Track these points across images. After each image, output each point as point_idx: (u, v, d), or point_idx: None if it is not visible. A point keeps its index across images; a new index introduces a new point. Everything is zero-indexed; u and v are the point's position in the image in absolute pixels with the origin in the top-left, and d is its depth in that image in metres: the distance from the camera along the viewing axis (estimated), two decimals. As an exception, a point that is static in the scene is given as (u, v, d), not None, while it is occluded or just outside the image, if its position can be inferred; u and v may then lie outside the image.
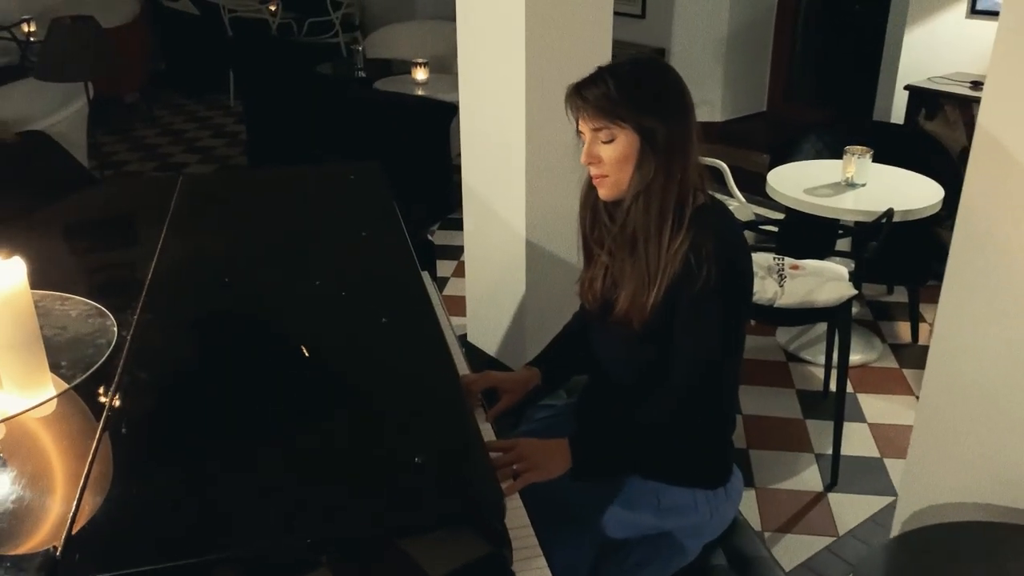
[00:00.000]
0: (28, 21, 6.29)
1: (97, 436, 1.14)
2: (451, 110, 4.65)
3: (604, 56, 2.78)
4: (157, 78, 7.54)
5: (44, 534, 0.99)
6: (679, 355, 1.54)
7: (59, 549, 0.95)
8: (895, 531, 2.09)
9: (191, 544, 0.98)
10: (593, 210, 1.67)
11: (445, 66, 5.85)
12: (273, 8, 7.19)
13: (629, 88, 1.49)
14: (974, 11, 4.08)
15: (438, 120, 4.58)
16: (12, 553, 0.98)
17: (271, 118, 5.34)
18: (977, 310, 1.77)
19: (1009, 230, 1.68)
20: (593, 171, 1.56)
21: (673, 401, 1.57)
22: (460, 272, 3.96)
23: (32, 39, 6.37)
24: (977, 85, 3.84)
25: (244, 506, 1.04)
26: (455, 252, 4.22)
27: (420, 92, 4.79)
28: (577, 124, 1.56)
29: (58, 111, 3.96)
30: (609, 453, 1.58)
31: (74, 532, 0.98)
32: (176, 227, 1.81)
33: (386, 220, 1.92)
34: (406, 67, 5.30)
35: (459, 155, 4.95)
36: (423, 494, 1.05)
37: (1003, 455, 1.77)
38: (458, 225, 4.59)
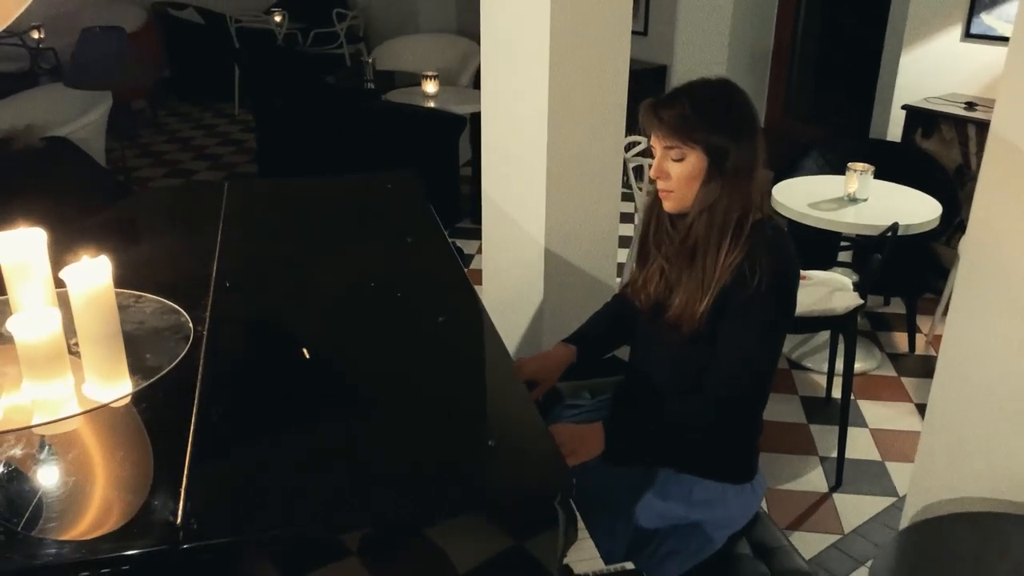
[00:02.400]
0: (38, 28, 6.38)
1: (193, 419, 1.24)
2: (462, 122, 4.78)
3: (622, 71, 2.91)
4: (162, 85, 7.63)
5: (157, 506, 1.08)
6: (723, 359, 1.64)
7: (177, 518, 1.05)
8: (904, 525, 2.20)
9: (290, 515, 1.09)
10: (657, 218, 1.77)
11: (451, 78, 5.98)
12: (279, 18, 7.30)
13: (703, 110, 1.59)
14: (968, 35, 4.24)
15: (449, 132, 4.70)
16: (127, 523, 1.07)
17: (281, 127, 5.44)
18: (985, 316, 1.89)
19: (1017, 238, 1.81)
20: (660, 185, 1.66)
21: (711, 408, 1.67)
22: (472, 280, 4.06)
23: (41, 46, 6.45)
24: (972, 106, 3.99)
25: (337, 484, 1.14)
26: (465, 260, 4.33)
27: (431, 104, 4.90)
28: (649, 138, 1.67)
29: (80, 117, 4.05)
30: (642, 441, 1.69)
31: (187, 504, 1.07)
32: (231, 230, 1.91)
33: (427, 225, 2.03)
34: (412, 79, 5.42)
35: (465, 165, 5.09)
36: (500, 474, 1.15)
37: (1008, 452, 1.89)
38: (466, 234, 4.70)
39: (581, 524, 1.46)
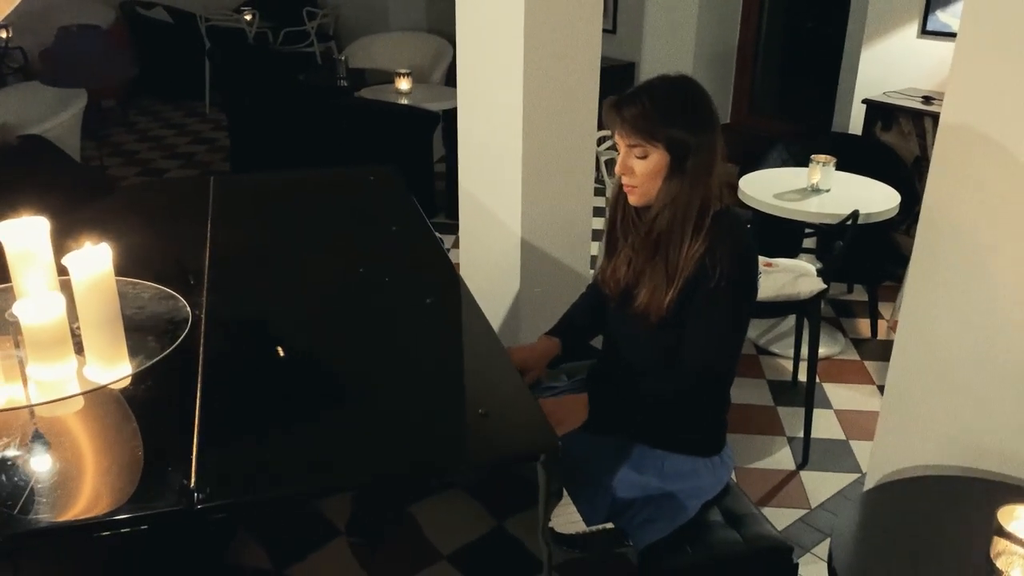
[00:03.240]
0: (5, 28, 6.34)
1: (198, 394, 1.31)
2: (435, 119, 4.85)
3: (594, 68, 3.00)
4: (131, 84, 7.60)
5: (171, 472, 1.16)
6: (691, 343, 1.74)
7: (191, 482, 1.12)
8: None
9: (296, 476, 1.16)
10: (623, 209, 1.85)
11: (423, 76, 6.04)
12: (249, 17, 7.31)
13: (663, 106, 1.67)
14: (925, 31, 4.40)
15: (423, 128, 4.77)
16: (145, 487, 1.15)
17: (254, 126, 5.47)
18: (938, 298, 2.00)
19: (966, 225, 1.93)
20: (625, 180, 1.74)
21: (683, 382, 1.76)
22: (447, 273, 4.13)
23: (9, 45, 6.41)
24: (928, 100, 4.15)
25: (341, 448, 1.22)
26: (441, 254, 4.39)
27: (404, 101, 4.97)
28: (613, 135, 1.75)
29: (55, 116, 4.06)
30: (622, 412, 1.78)
31: (198, 471, 1.15)
32: (220, 222, 1.98)
33: (410, 216, 2.11)
34: (384, 77, 5.48)
35: (439, 161, 5.16)
36: (492, 439, 1.24)
37: (957, 423, 2.01)
38: (441, 228, 4.77)
39: (564, 491, 1.55)
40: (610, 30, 6.11)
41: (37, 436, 1.29)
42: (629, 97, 1.71)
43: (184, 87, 7.59)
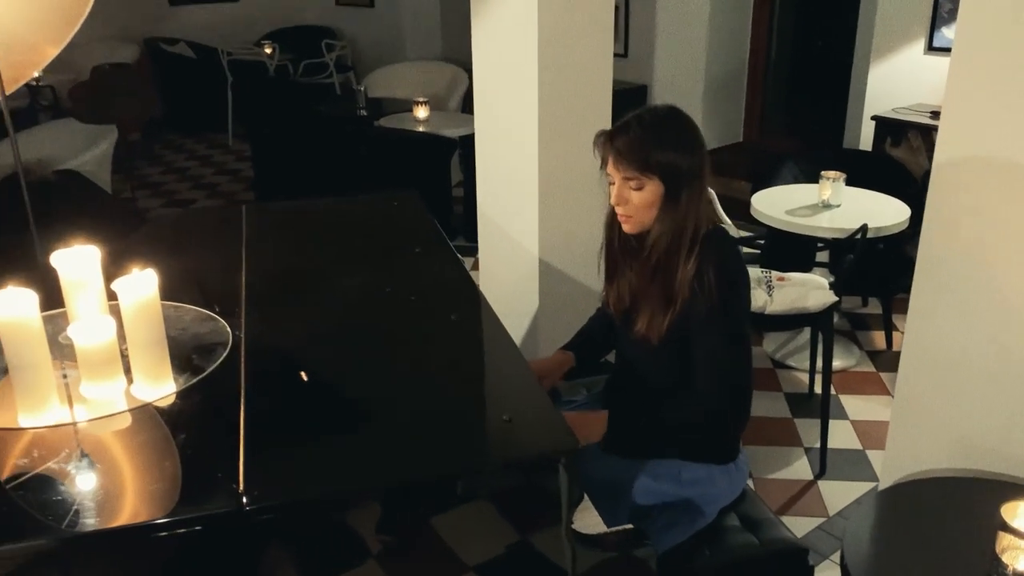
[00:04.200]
0: (35, 66, 6.53)
1: (242, 406, 1.41)
2: (453, 145, 4.97)
3: (606, 92, 3.11)
4: (156, 118, 7.80)
5: (221, 478, 1.25)
6: (699, 369, 1.81)
7: (240, 486, 1.21)
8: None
9: (340, 479, 1.26)
10: (619, 236, 1.92)
11: (440, 103, 6.19)
12: (269, 51, 7.51)
13: (652, 132, 1.73)
14: (931, 48, 4.48)
15: (441, 154, 4.89)
16: (197, 492, 1.24)
17: (277, 156, 5.62)
18: (942, 308, 2.08)
19: (967, 237, 2.00)
20: (620, 210, 1.80)
21: (698, 406, 1.83)
22: (468, 294, 4.23)
23: (40, 83, 6.62)
24: (936, 115, 4.22)
25: (377, 452, 1.31)
26: (461, 277, 4.50)
27: (422, 129, 5.10)
28: (604, 164, 1.81)
29: (88, 151, 4.22)
30: (642, 435, 1.85)
31: (246, 476, 1.24)
32: (254, 247, 2.08)
33: (432, 238, 2.21)
34: (402, 105, 5.62)
35: (456, 185, 5.28)
36: (516, 442, 1.33)
37: (963, 427, 2.08)
38: (460, 251, 4.88)
39: (586, 496, 1.63)
40: (621, 54, 6.24)
41: (93, 448, 1.39)
42: (620, 128, 1.77)
43: (207, 120, 7.78)
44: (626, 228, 1.84)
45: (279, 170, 5.65)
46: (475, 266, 4.29)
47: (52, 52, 2.14)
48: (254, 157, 6.03)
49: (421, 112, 5.19)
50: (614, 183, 1.80)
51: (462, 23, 7.17)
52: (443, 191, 5.08)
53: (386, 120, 5.30)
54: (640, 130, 1.74)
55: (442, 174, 5.02)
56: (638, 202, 1.76)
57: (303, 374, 1.49)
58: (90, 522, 1.16)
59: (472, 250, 4.85)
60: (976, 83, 1.92)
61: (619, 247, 1.94)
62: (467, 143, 4.83)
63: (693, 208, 1.76)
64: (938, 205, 2.05)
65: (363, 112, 5.43)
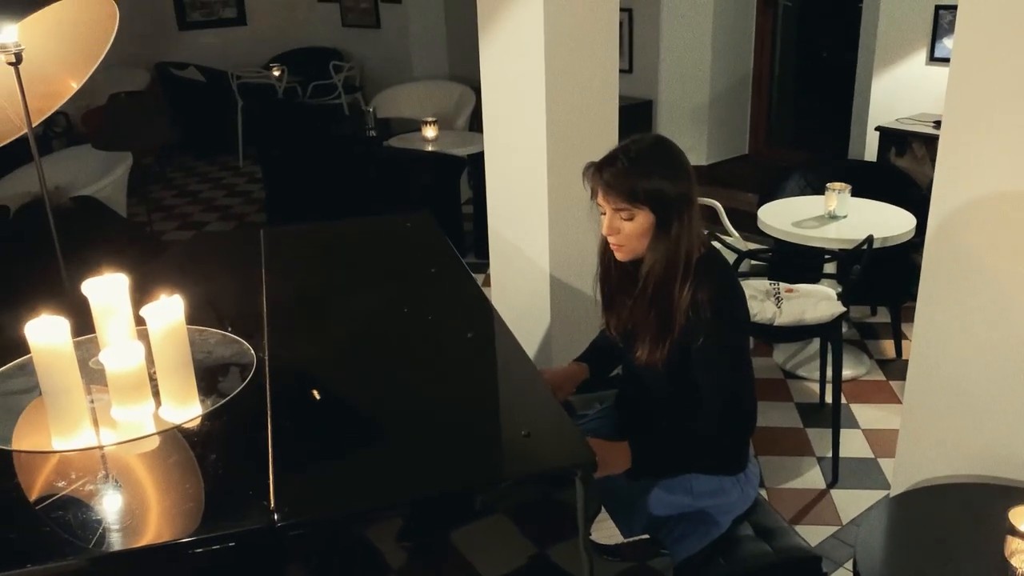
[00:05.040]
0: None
1: (269, 426, 1.46)
2: (462, 163, 5.04)
3: (613, 108, 3.16)
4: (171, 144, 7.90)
5: (252, 495, 1.30)
6: (704, 387, 1.84)
7: (271, 503, 1.26)
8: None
9: (366, 494, 1.30)
10: (614, 265, 1.94)
11: (448, 122, 6.26)
12: (278, 73, 7.60)
13: (640, 162, 1.76)
14: (933, 58, 4.53)
15: (450, 173, 4.96)
16: (229, 509, 1.29)
17: (289, 178, 5.70)
18: (947, 317, 2.11)
19: (970, 246, 2.04)
20: (612, 240, 1.83)
21: (709, 426, 1.87)
22: (479, 311, 4.28)
23: (54, 110, 6.71)
24: (939, 124, 4.26)
25: (402, 468, 1.36)
26: (472, 293, 4.55)
27: (431, 148, 5.17)
28: (594, 194, 1.84)
29: (104, 177, 4.30)
30: (662, 462, 1.89)
31: (276, 494, 1.29)
32: (273, 270, 2.14)
33: (446, 258, 2.26)
34: (411, 125, 5.69)
35: (465, 203, 5.34)
36: (535, 456, 1.37)
37: (971, 434, 2.11)
38: (470, 268, 4.94)
39: (603, 508, 1.67)
40: (626, 70, 6.30)
41: (126, 470, 1.44)
42: (607, 160, 1.80)
43: (218, 142, 7.88)
44: (619, 256, 1.88)
45: (290, 191, 5.73)
46: (486, 282, 4.34)
47: (74, 86, 2.21)
48: (265, 179, 6.11)
49: (430, 132, 5.26)
50: (605, 213, 1.83)
51: (467, 42, 7.26)
52: (453, 209, 5.14)
53: (395, 140, 5.37)
54: (627, 162, 1.77)
55: (452, 192, 5.09)
56: (629, 231, 1.80)
57: (315, 392, 1.54)
58: (129, 541, 1.21)
59: (483, 267, 4.91)
60: (976, 91, 1.96)
61: (615, 276, 1.97)
62: (475, 161, 4.89)
63: (685, 235, 1.78)
64: (941, 214, 2.09)
65: (372, 133, 5.50)
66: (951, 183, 2.05)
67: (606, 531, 1.61)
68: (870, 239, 3.13)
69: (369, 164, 5.21)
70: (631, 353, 1.92)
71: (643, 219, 1.78)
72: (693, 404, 1.88)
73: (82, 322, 1.70)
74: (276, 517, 1.23)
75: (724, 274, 1.88)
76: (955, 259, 2.08)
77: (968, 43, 1.96)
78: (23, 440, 1.55)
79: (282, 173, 5.78)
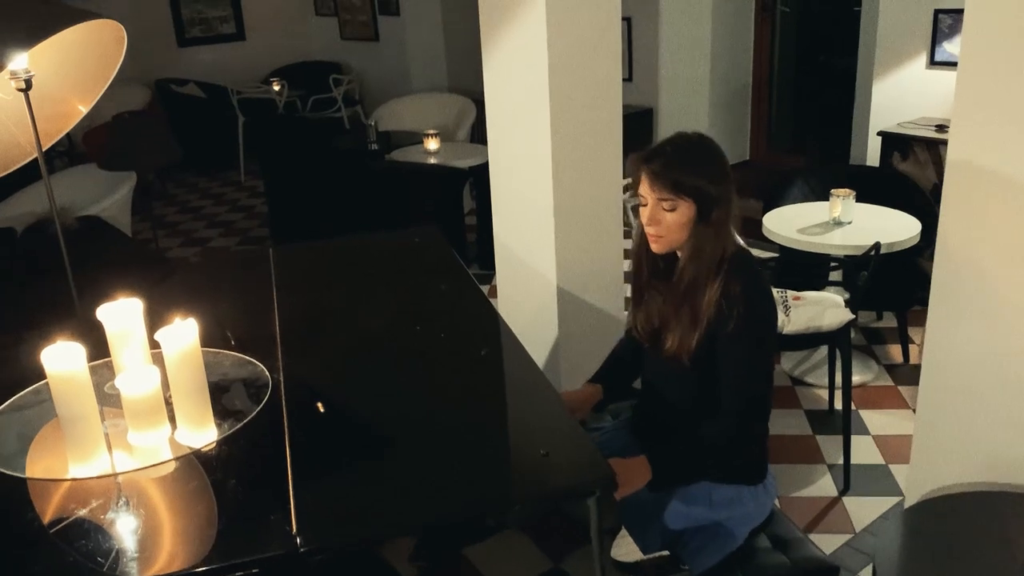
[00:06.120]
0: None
1: (287, 449, 1.46)
2: (464, 175, 5.05)
3: (616, 117, 3.17)
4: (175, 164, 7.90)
5: (273, 520, 1.30)
6: (729, 382, 1.86)
7: (293, 528, 1.26)
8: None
9: (386, 517, 1.30)
10: (648, 260, 1.97)
11: (449, 134, 6.27)
12: (278, 88, 7.62)
13: (687, 158, 1.81)
14: (933, 62, 4.54)
15: (453, 185, 4.97)
16: (252, 535, 1.29)
17: (291, 192, 5.71)
18: (959, 324, 2.11)
19: (982, 252, 2.04)
20: (651, 231, 1.86)
21: (729, 424, 1.87)
22: (486, 323, 4.28)
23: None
24: (942, 128, 4.27)
25: (422, 489, 1.36)
26: (478, 305, 4.55)
27: (433, 160, 5.18)
28: (635, 185, 1.89)
29: (108, 196, 4.30)
30: (682, 468, 1.89)
31: (297, 518, 1.29)
32: (284, 289, 2.14)
33: (455, 273, 2.26)
34: (412, 138, 5.70)
35: (468, 214, 5.35)
36: (554, 476, 1.37)
37: (987, 440, 2.11)
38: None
39: (620, 523, 1.67)
40: (626, 78, 6.32)
41: (145, 496, 1.44)
42: (654, 152, 1.84)
43: (219, 158, 7.89)
44: (655, 248, 1.90)
45: (293, 206, 5.73)
46: (491, 293, 4.35)
47: (83, 109, 2.21)
48: (268, 194, 6.11)
49: (432, 144, 5.27)
50: (646, 204, 1.86)
51: (467, 54, 7.28)
52: (456, 221, 5.15)
53: (397, 153, 5.38)
54: (674, 153, 1.82)
55: (455, 204, 5.09)
56: (670, 222, 1.83)
57: (332, 414, 1.54)
58: (155, 569, 1.21)
59: (487, 278, 4.91)
60: (984, 96, 1.96)
61: (647, 270, 1.99)
62: (477, 173, 4.90)
63: (723, 230, 1.83)
64: (951, 218, 2.09)
65: (374, 146, 5.51)
66: (961, 188, 2.06)
67: (625, 548, 1.60)
68: (877, 246, 3.13)
69: (371, 178, 5.22)
70: (658, 351, 1.93)
71: (685, 210, 1.81)
72: (715, 405, 1.88)
73: (95, 344, 1.70)
74: (299, 542, 1.23)
75: (755, 273, 1.89)
76: (966, 263, 2.08)
77: (975, 48, 1.96)
78: (37, 465, 1.55)
79: (284, 188, 5.78)
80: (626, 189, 4.06)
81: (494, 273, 3.56)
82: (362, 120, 7.47)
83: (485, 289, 4.66)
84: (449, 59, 8.01)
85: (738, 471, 1.98)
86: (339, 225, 5.32)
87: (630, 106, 6.13)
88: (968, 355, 2.11)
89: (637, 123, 6.05)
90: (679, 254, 1.89)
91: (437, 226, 4.86)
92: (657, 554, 1.57)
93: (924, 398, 2.26)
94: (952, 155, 2.04)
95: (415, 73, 7.97)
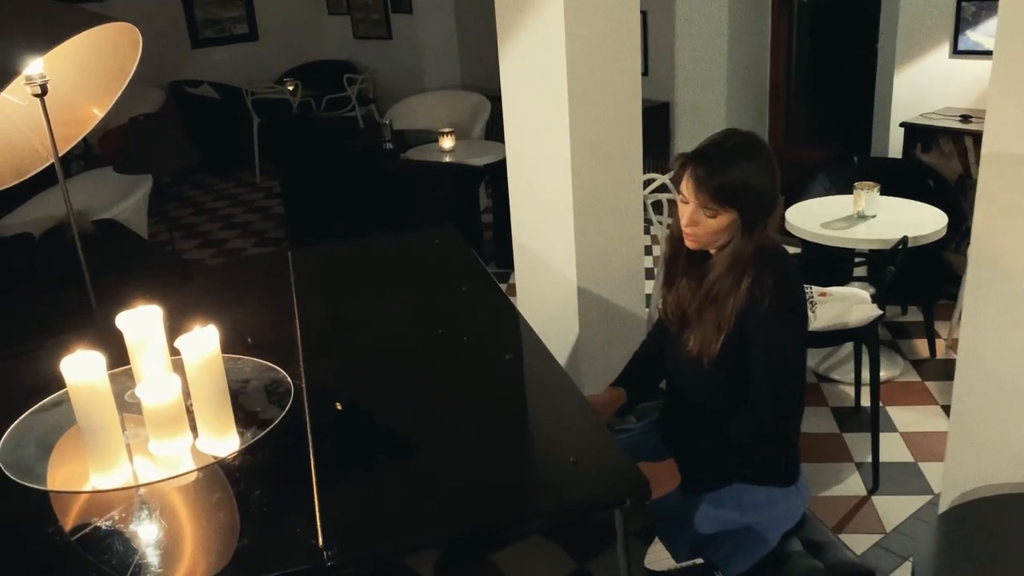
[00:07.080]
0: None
1: (312, 459, 1.43)
2: (480, 173, 5.01)
3: (635, 113, 3.12)
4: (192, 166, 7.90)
5: (300, 533, 1.27)
6: (758, 381, 1.81)
7: (319, 541, 1.23)
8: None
9: (415, 530, 1.27)
10: (685, 250, 1.92)
11: (463, 132, 6.23)
12: (292, 88, 7.61)
13: (736, 164, 1.74)
14: (956, 51, 4.46)
15: (469, 183, 4.94)
16: (278, 548, 1.26)
17: (307, 192, 5.69)
18: (996, 316, 2.06)
19: (1019, 246, 1.99)
20: (688, 230, 1.82)
21: (754, 420, 1.83)
22: (504, 322, 4.24)
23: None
24: (967, 118, 4.19)
25: (452, 498, 1.33)
26: (496, 304, 4.51)
27: (448, 158, 5.14)
28: (677, 181, 1.84)
29: (124, 199, 4.29)
30: (710, 469, 1.85)
31: (323, 530, 1.26)
32: (304, 293, 2.11)
33: (476, 274, 2.23)
34: (427, 136, 5.67)
35: (484, 212, 5.31)
36: (585, 485, 1.34)
37: (1027, 440, 2.05)
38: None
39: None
40: (643, 72, 6.24)
41: (168, 508, 1.41)
42: (702, 156, 1.77)
43: (234, 159, 7.88)
44: (689, 244, 1.87)
45: (309, 206, 5.72)
46: (509, 292, 4.31)
47: (98, 113, 2.19)
48: (284, 194, 6.10)
49: (447, 142, 5.23)
50: (687, 203, 1.81)
51: (480, 51, 7.23)
52: (473, 219, 5.12)
53: (413, 152, 5.34)
54: (722, 160, 1.75)
55: (471, 202, 5.06)
56: (710, 227, 1.79)
57: (356, 421, 1.50)
58: (176, 584, 1.19)
59: (504, 276, 4.88)
60: (1020, 86, 1.90)
61: (684, 259, 1.95)
62: (493, 170, 4.86)
63: (759, 231, 1.79)
64: (986, 212, 2.03)
65: (389, 145, 5.48)
66: (996, 181, 2.00)
67: (656, 556, 1.56)
68: (905, 240, 3.07)
69: (387, 177, 5.19)
70: (683, 346, 1.89)
71: (726, 219, 1.78)
72: (742, 403, 1.84)
73: (113, 350, 1.67)
74: (327, 555, 1.20)
75: (784, 262, 1.85)
76: (1002, 258, 2.02)
77: (1012, 34, 1.90)
78: (57, 474, 1.53)
79: (300, 188, 5.77)
80: (646, 184, 4.01)
81: (511, 272, 3.52)
82: (376, 119, 7.44)
83: (502, 288, 4.62)
84: (462, 56, 7.97)
85: (769, 472, 1.94)
86: (355, 225, 5.30)
87: (646, 100, 6.03)
88: (1003, 350, 2.05)
89: (654, 117, 5.99)
90: (712, 251, 1.85)
91: (453, 224, 4.84)
92: (691, 563, 1.53)
93: (960, 395, 2.20)
94: (987, 148, 1.99)
95: (429, 70, 7.93)
